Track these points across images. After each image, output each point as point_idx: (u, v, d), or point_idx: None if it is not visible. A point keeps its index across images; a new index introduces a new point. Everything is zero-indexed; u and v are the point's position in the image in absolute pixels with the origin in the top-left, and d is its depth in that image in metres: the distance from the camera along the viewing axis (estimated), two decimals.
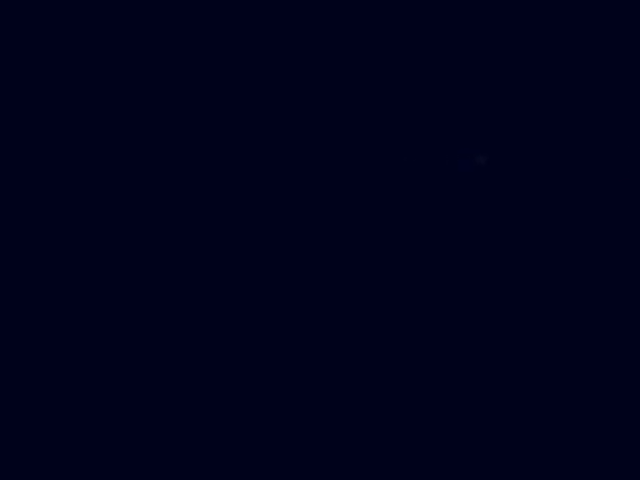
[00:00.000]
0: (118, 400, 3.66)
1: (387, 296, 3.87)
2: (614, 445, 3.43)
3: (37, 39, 3.98)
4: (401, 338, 3.80)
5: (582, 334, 3.77)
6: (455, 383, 3.69)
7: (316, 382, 3.73)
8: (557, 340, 3.76)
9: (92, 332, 3.83)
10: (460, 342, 3.78)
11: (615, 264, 3.86)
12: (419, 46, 4.03)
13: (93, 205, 3.99)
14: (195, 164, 4.04)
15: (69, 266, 3.92)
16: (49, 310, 3.86)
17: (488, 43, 4.02)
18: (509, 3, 3.97)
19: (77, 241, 3.95)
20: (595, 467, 3.37)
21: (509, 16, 3.98)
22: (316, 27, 4.01)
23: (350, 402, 3.65)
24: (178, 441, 3.51)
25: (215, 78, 4.04)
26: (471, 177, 4.02)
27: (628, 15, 3.92)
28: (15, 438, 3.53)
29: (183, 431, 3.54)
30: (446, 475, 3.36)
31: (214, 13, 4.00)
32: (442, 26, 4.00)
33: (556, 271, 3.87)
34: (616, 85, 3.98)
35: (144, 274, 3.92)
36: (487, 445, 3.46)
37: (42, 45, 3.98)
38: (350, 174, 4.05)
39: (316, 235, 3.98)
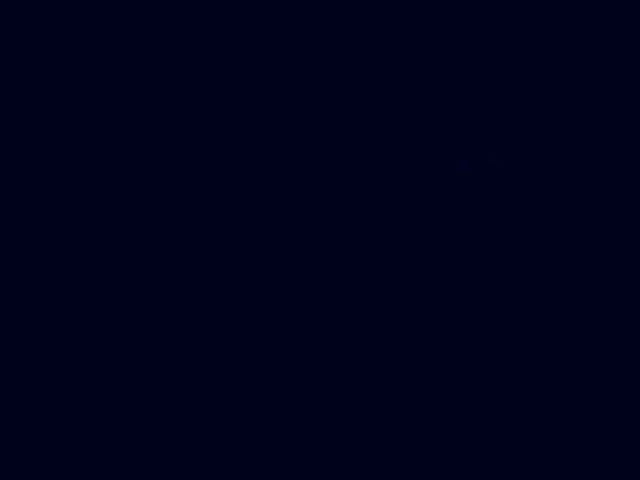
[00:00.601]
0: (117, 400, 3.66)
1: (387, 295, 3.87)
2: (614, 445, 3.43)
3: (37, 40, 3.98)
4: (401, 337, 3.80)
5: (581, 334, 3.76)
6: (455, 383, 3.69)
7: (315, 382, 3.73)
8: (557, 340, 3.76)
9: (92, 332, 3.83)
10: (460, 341, 3.78)
11: (615, 263, 3.85)
12: (419, 46, 4.03)
13: (93, 205, 3.99)
14: (195, 164, 4.04)
15: (69, 266, 3.92)
16: (49, 310, 3.86)
17: (488, 44, 4.02)
18: (509, 4, 3.97)
19: (77, 241, 3.96)
20: (595, 467, 3.36)
21: (508, 19, 3.99)
22: (316, 28, 4.01)
23: (349, 402, 3.65)
24: (178, 440, 3.51)
25: (214, 78, 4.04)
26: (471, 177, 4.02)
27: (628, 15, 3.93)
28: (15, 438, 3.53)
29: (183, 430, 3.54)
30: (446, 475, 3.36)
31: (214, 14, 4.00)
32: (442, 26, 4.00)
33: (555, 270, 3.87)
34: (616, 86, 3.98)
35: (144, 274, 3.92)
36: (487, 445, 3.46)
37: (43, 45, 3.99)
38: (350, 174, 4.06)
39: (316, 234, 3.98)
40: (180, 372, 3.74)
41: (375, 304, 3.86)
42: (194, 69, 4.03)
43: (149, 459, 3.44)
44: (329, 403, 3.64)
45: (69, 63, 4.00)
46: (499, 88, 4.03)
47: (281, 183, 4.04)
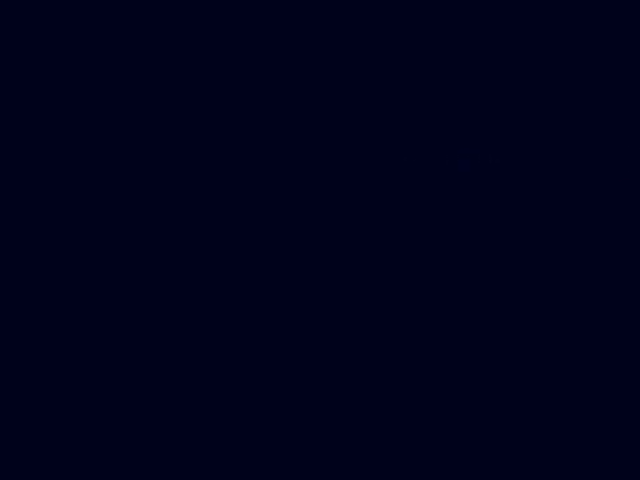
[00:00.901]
0: (117, 400, 3.66)
1: (387, 295, 3.87)
2: (614, 445, 3.42)
3: (37, 40, 3.99)
4: (401, 337, 3.80)
5: (581, 333, 3.76)
6: (455, 383, 3.69)
7: (314, 383, 3.73)
8: (557, 339, 3.76)
9: (91, 332, 3.83)
10: (459, 341, 3.78)
11: (615, 263, 3.86)
12: (419, 47, 4.03)
13: (92, 205, 3.99)
14: (195, 164, 4.05)
15: (68, 266, 3.93)
16: (48, 310, 3.86)
17: (487, 44, 4.02)
18: (509, 4, 3.97)
19: (77, 240, 3.96)
20: (594, 467, 3.36)
21: (508, 19, 3.99)
22: (316, 28, 4.02)
23: (349, 402, 3.65)
24: (178, 440, 3.51)
25: (214, 78, 4.05)
26: (471, 177, 4.03)
27: (628, 16, 3.93)
28: (15, 438, 3.53)
29: (183, 430, 3.54)
30: (446, 475, 3.36)
31: (214, 14, 4.01)
32: (442, 26, 4.01)
33: (555, 270, 3.87)
34: (616, 86, 3.98)
35: (143, 273, 3.93)
36: (487, 445, 3.46)
37: (43, 45, 3.99)
38: (350, 174, 4.06)
39: (316, 233, 3.98)
40: (180, 372, 3.74)
41: (375, 304, 3.86)
42: (194, 69, 4.03)
43: (149, 458, 3.44)
44: (329, 403, 3.64)
45: (69, 63, 4.00)
46: (499, 88, 4.04)
47: (280, 182, 4.04)
